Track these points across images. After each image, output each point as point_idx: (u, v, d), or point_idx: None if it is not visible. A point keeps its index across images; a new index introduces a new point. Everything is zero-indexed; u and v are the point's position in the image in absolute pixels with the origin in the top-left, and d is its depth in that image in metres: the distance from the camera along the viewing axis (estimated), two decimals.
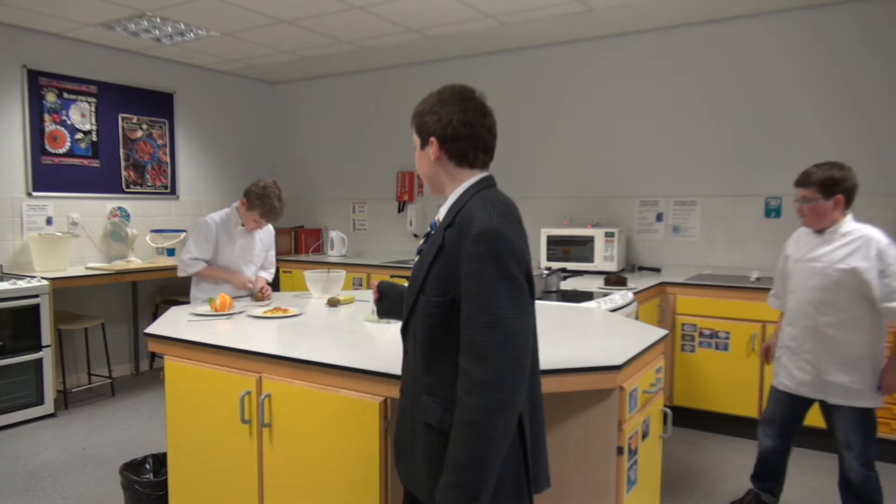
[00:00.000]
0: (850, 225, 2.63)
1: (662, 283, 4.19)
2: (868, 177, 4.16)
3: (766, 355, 3.09)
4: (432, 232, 1.59)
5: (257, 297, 3.39)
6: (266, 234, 3.61)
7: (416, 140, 1.61)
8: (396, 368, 1.93)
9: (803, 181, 2.68)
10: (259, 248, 3.56)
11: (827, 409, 2.75)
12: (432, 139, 1.55)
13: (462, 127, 1.53)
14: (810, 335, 2.68)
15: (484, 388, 1.34)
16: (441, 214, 1.58)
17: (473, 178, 1.56)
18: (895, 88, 4.07)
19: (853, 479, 2.70)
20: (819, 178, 2.61)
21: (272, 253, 3.70)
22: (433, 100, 1.58)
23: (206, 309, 2.96)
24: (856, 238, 2.58)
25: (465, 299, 1.39)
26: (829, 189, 2.60)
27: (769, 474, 2.99)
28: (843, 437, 2.69)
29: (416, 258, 1.61)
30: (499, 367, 1.34)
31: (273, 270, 3.72)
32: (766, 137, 4.45)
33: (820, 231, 2.68)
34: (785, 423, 2.89)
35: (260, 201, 3.28)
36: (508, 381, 1.35)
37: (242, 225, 3.44)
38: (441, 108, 1.54)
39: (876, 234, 2.56)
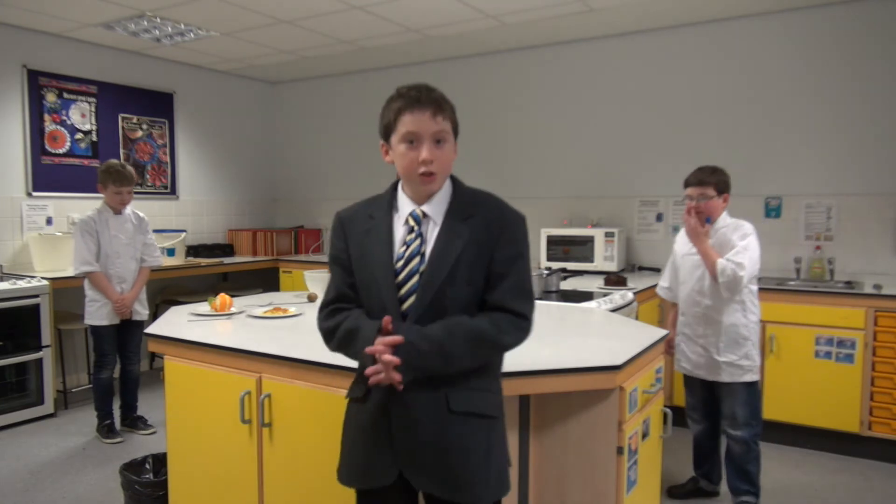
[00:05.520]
0: (726, 220, 2.96)
1: None
2: (867, 177, 4.18)
3: (669, 348, 3.18)
4: (419, 227, 1.59)
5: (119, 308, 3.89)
6: (137, 220, 4.03)
7: (450, 131, 1.59)
8: None
9: (702, 181, 2.92)
10: (133, 232, 3.97)
11: (717, 388, 3.00)
12: (456, 140, 1.63)
13: None
14: (701, 320, 2.97)
15: (519, 337, 1.56)
16: (436, 208, 1.59)
17: None
18: (893, 88, 4.07)
19: (735, 450, 2.96)
20: (717, 179, 2.92)
21: (150, 237, 4.10)
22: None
23: (206, 309, 2.96)
24: (730, 230, 2.90)
25: (505, 276, 1.55)
26: (723, 188, 2.94)
27: (703, 460, 3.17)
28: (729, 413, 2.95)
29: (404, 249, 1.58)
30: (531, 328, 1.58)
31: (157, 255, 4.17)
32: (766, 137, 4.45)
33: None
34: (704, 406, 3.10)
35: (106, 174, 3.82)
36: (522, 342, 1.58)
37: (116, 213, 3.90)
38: None
39: (745, 224, 2.90)
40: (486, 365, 1.59)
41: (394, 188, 1.69)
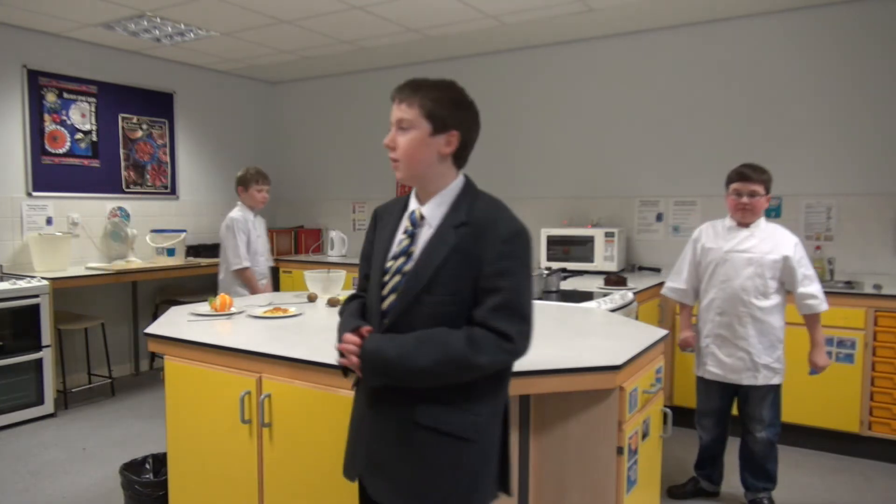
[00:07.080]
0: (764, 221, 2.96)
1: (662, 283, 4.16)
2: (867, 177, 4.18)
3: (685, 346, 3.18)
4: (415, 229, 1.57)
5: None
6: (262, 223, 4.14)
7: (424, 122, 1.51)
8: None
9: (754, 177, 2.89)
10: (264, 232, 4.11)
11: (748, 392, 2.97)
12: (455, 133, 1.53)
13: (475, 137, 1.61)
14: (747, 321, 2.90)
15: (501, 359, 1.47)
16: (433, 211, 1.56)
17: (460, 176, 1.61)
18: (893, 88, 4.07)
19: (758, 450, 2.98)
20: (767, 177, 2.91)
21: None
22: (459, 96, 1.56)
23: (206, 309, 2.96)
24: (773, 232, 2.91)
25: (492, 292, 1.46)
26: (769, 187, 2.93)
27: (708, 462, 3.18)
28: (757, 414, 2.96)
29: (396, 247, 1.59)
30: (519, 352, 1.48)
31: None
32: (766, 137, 4.45)
33: (745, 225, 2.93)
34: (719, 413, 3.10)
35: (249, 175, 3.93)
36: (507, 366, 1.54)
37: (254, 216, 3.98)
38: (467, 112, 1.57)
39: (785, 230, 2.93)
40: (472, 383, 1.48)
41: None
